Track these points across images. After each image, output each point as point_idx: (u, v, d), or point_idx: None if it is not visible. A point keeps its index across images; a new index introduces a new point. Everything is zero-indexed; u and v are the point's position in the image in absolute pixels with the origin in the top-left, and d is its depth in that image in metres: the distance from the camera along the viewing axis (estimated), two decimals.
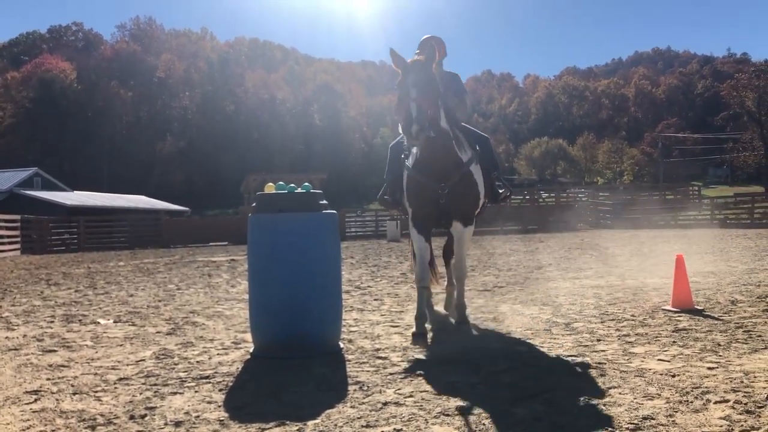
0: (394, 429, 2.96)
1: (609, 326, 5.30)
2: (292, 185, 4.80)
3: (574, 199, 36.23)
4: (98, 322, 6.43)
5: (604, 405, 3.17)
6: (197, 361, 4.51)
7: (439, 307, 6.44)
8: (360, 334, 5.33)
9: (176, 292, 9.02)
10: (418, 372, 4.00)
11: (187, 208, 52.62)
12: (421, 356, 4.47)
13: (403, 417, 3.11)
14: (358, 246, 21.76)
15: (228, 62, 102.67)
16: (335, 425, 3.03)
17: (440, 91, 4.90)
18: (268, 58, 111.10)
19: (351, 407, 3.31)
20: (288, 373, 4.01)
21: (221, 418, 3.20)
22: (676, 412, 3.03)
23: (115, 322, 6.47)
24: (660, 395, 3.30)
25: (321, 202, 4.69)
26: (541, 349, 4.55)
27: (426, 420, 3.06)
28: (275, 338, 4.48)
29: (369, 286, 8.98)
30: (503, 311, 6.29)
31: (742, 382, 3.49)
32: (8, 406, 3.50)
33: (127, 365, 4.46)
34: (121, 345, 5.22)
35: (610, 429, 2.85)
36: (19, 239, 25.12)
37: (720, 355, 4.13)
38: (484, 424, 2.96)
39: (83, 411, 3.39)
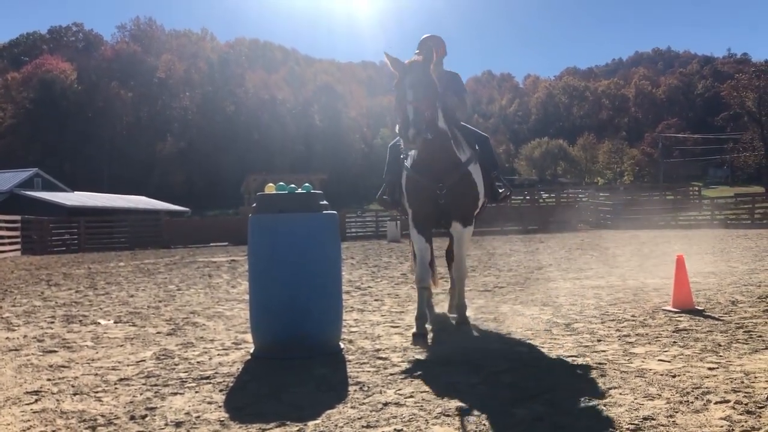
0: (395, 429, 2.96)
1: (609, 327, 5.30)
2: (293, 186, 4.80)
3: (574, 200, 36.23)
4: (99, 323, 6.43)
5: (605, 405, 3.17)
6: (198, 362, 4.51)
7: (443, 310, 6.44)
8: (360, 335, 5.33)
9: (176, 293, 9.02)
10: (419, 372, 4.00)
11: (187, 209, 52.62)
12: (422, 357, 4.47)
13: (404, 417, 3.11)
14: (358, 246, 21.76)
15: (228, 63, 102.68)
16: (336, 425, 3.03)
17: (438, 91, 4.87)
18: (268, 58, 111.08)
19: (351, 408, 3.31)
20: (288, 374, 4.01)
21: (222, 419, 3.20)
22: (677, 412, 3.03)
23: (115, 322, 6.47)
24: (660, 396, 3.30)
25: (321, 202, 4.69)
26: (542, 350, 4.55)
27: (426, 420, 3.06)
28: (276, 339, 4.48)
29: (369, 287, 8.98)
30: (504, 312, 6.29)
31: (742, 382, 3.49)
32: (9, 407, 3.51)
33: (128, 366, 4.46)
34: (121, 345, 5.22)
35: (610, 429, 2.85)
36: (19, 240, 25.13)
37: (720, 356, 4.13)
38: (484, 425, 2.96)
39: (84, 411, 3.39)
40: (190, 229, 32.51)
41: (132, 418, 3.25)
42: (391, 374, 3.97)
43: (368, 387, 3.69)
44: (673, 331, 4.98)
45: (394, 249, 19.12)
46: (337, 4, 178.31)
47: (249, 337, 5.03)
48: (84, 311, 7.34)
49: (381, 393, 3.56)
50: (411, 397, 3.46)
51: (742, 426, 2.82)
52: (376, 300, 7.55)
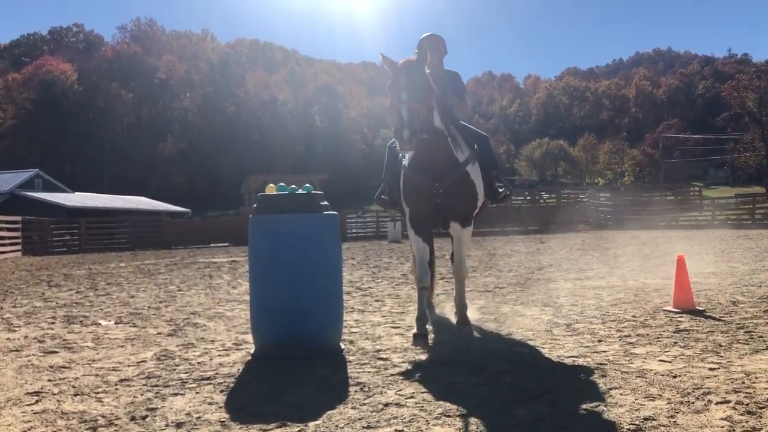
0: (396, 430, 2.96)
1: (610, 327, 5.30)
2: (293, 186, 4.79)
3: (575, 200, 36.22)
4: (99, 324, 6.44)
5: (606, 406, 3.17)
6: (198, 362, 4.51)
7: (443, 310, 6.44)
8: (361, 335, 5.32)
9: (177, 294, 9.02)
10: (420, 373, 4.00)
11: (188, 209, 52.66)
12: (423, 357, 4.47)
13: (405, 418, 3.11)
14: (359, 247, 21.77)
15: (229, 63, 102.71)
16: (336, 426, 3.03)
17: (433, 91, 4.85)
18: (268, 59, 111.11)
19: (352, 408, 3.31)
20: (289, 374, 4.01)
21: (222, 419, 3.20)
22: (678, 412, 3.03)
23: (116, 323, 6.47)
24: (661, 396, 3.30)
25: (322, 203, 4.69)
26: (543, 350, 4.54)
27: (427, 421, 3.05)
28: (276, 339, 4.48)
29: (370, 287, 8.98)
30: (504, 312, 6.29)
31: (743, 382, 3.49)
32: (9, 407, 3.51)
33: (128, 366, 4.46)
34: (122, 346, 5.22)
35: (611, 430, 2.85)
36: (20, 240, 25.16)
37: (721, 356, 4.13)
38: (485, 425, 2.95)
39: (84, 412, 3.39)
40: (190, 229, 32.53)
41: (133, 418, 3.25)
42: (392, 375, 3.97)
43: (369, 387, 3.68)
44: (674, 332, 4.98)
45: (395, 249, 19.12)
46: (337, 4, 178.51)
47: (250, 337, 5.03)
48: (85, 312, 7.34)
49: (382, 393, 3.56)
50: (412, 397, 3.46)
51: (743, 426, 2.82)
52: (376, 300, 7.55)
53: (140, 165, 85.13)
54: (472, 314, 5.90)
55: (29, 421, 3.25)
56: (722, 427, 2.83)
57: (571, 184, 77.28)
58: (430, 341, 4.96)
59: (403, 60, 4.74)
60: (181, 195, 73.65)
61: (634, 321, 5.53)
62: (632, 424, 2.88)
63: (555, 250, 15.69)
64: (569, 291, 7.75)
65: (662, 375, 3.71)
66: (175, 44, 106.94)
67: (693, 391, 3.35)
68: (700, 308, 5.92)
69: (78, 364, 4.59)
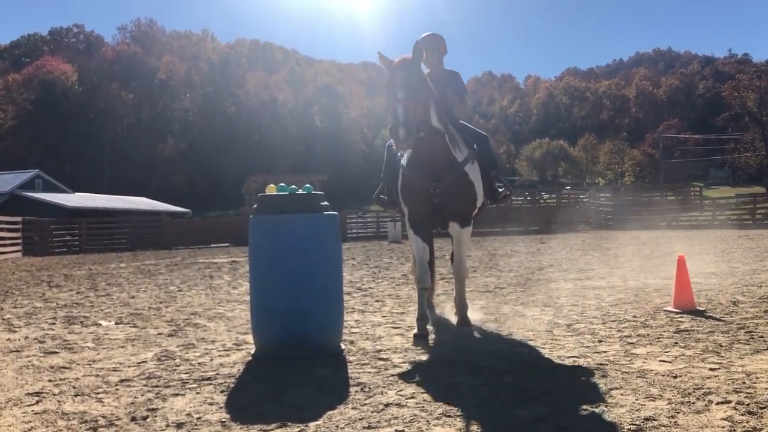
0: (396, 430, 2.95)
1: (611, 327, 5.30)
2: (293, 187, 4.79)
3: (575, 200, 36.21)
4: (100, 324, 6.44)
5: (606, 406, 3.17)
6: (199, 363, 4.51)
7: (443, 310, 6.44)
8: (361, 336, 5.32)
9: (177, 294, 9.03)
10: (420, 373, 4.00)
11: (188, 210, 52.66)
12: (423, 357, 4.47)
13: (405, 418, 3.11)
14: (359, 247, 21.77)
15: (229, 64, 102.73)
16: (337, 426, 3.03)
17: (430, 89, 4.84)
18: (268, 59, 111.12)
19: (352, 408, 3.31)
20: (289, 375, 4.01)
21: (223, 420, 3.20)
22: (678, 413, 3.03)
23: (116, 323, 6.47)
24: (662, 396, 3.30)
25: (322, 203, 4.69)
26: (543, 351, 4.54)
27: (428, 421, 3.05)
28: (277, 340, 4.48)
29: (370, 288, 8.98)
30: (505, 312, 6.29)
31: (744, 383, 3.49)
32: (10, 408, 3.51)
33: (129, 367, 4.46)
34: (122, 346, 5.22)
35: (612, 430, 2.85)
36: (20, 241, 25.16)
37: (722, 356, 4.13)
38: (485, 426, 2.95)
39: (85, 413, 3.39)
40: (190, 230, 32.52)
41: (133, 419, 3.25)
42: (393, 375, 3.97)
43: (369, 388, 3.68)
44: (675, 332, 4.98)
45: (395, 250, 19.12)
46: (337, 4, 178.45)
47: (250, 338, 5.03)
48: (85, 312, 7.35)
49: (382, 394, 3.56)
50: (412, 397, 3.46)
51: (744, 427, 2.82)
52: (377, 301, 7.55)
53: (140, 165, 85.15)
54: (474, 314, 5.89)
55: (30, 422, 3.25)
56: (723, 427, 2.82)
57: (571, 185, 77.25)
58: (430, 341, 4.96)
59: (399, 58, 4.72)
60: (182, 195, 73.66)
61: (634, 321, 5.53)
62: (633, 425, 2.88)
63: (555, 251, 15.69)
64: (570, 291, 7.75)
65: (663, 375, 3.71)
66: (175, 44, 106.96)
67: (694, 392, 3.35)
68: (700, 308, 5.92)
69: (78, 364, 4.59)
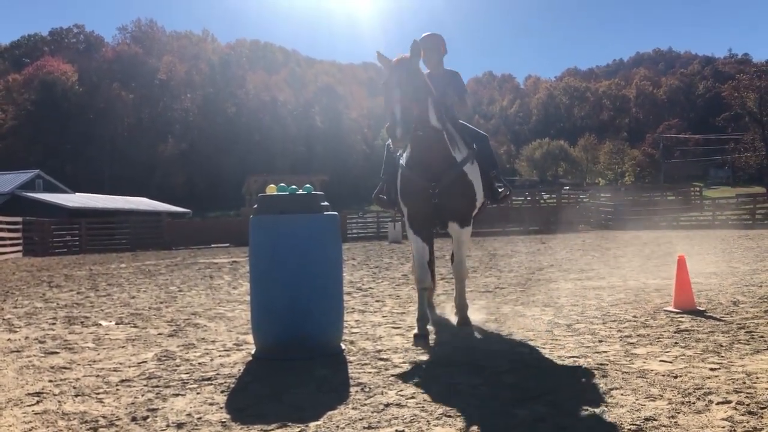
0: (396, 430, 2.96)
1: (611, 327, 5.30)
2: (294, 187, 4.80)
3: (575, 201, 36.21)
4: (100, 324, 6.44)
5: (607, 406, 3.17)
6: (199, 363, 4.51)
7: (443, 311, 6.44)
8: (361, 336, 5.32)
9: (178, 294, 9.03)
10: (420, 373, 4.00)
11: (188, 210, 52.71)
12: (423, 358, 4.47)
13: (405, 418, 3.11)
14: (359, 247, 21.77)
15: (229, 64, 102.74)
16: (337, 426, 3.03)
17: (429, 88, 4.83)
18: (269, 60, 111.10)
19: (353, 408, 3.31)
20: (289, 375, 4.02)
21: (223, 420, 3.20)
22: (679, 413, 3.03)
23: (116, 323, 6.47)
24: (662, 396, 3.30)
25: (322, 203, 4.69)
26: (543, 351, 4.54)
27: (428, 421, 3.05)
28: (277, 340, 4.48)
29: (370, 288, 8.98)
30: (505, 312, 6.29)
31: (744, 383, 3.49)
32: (10, 408, 3.51)
33: (129, 367, 4.46)
34: (122, 347, 5.22)
35: (612, 430, 2.85)
36: (20, 241, 25.17)
37: (722, 356, 4.13)
38: (486, 426, 2.95)
39: (85, 413, 3.39)
40: (191, 230, 32.52)
41: (134, 419, 3.26)
42: (393, 375, 3.97)
43: (369, 388, 3.68)
44: (675, 332, 4.98)
45: (395, 250, 19.12)
46: (337, 4, 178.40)
47: (250, 338, 5.03)
48: (85, 313, 7.35)
49: (382, 394, 3.56)
50: (412, 398, 3.46)
51: (744, 427, 2.82)
52: (377, 301, 7.55)
53: (141, 166, 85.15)
54: (475, 314, 5.89)
55: (30, 422, 3.25)
56: (723, 427, 2.82)
57: (571, 185, 77.24)
58: (430, 342, 4.96)
59: (397, 57, 4.72)
60: (182, 195, 73.69)
61: (634, 321, 5.53)
62: (633, 425, 2.88)
63: (555, 251, 15.69)
64: (570, 291, 7.75)
65: (663, 375, 3.71)
66: (175, 45, 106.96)
67: (694, 392, 3.35)
68: (700, 308, 5.92)
69: (79, 364, 4.59)
